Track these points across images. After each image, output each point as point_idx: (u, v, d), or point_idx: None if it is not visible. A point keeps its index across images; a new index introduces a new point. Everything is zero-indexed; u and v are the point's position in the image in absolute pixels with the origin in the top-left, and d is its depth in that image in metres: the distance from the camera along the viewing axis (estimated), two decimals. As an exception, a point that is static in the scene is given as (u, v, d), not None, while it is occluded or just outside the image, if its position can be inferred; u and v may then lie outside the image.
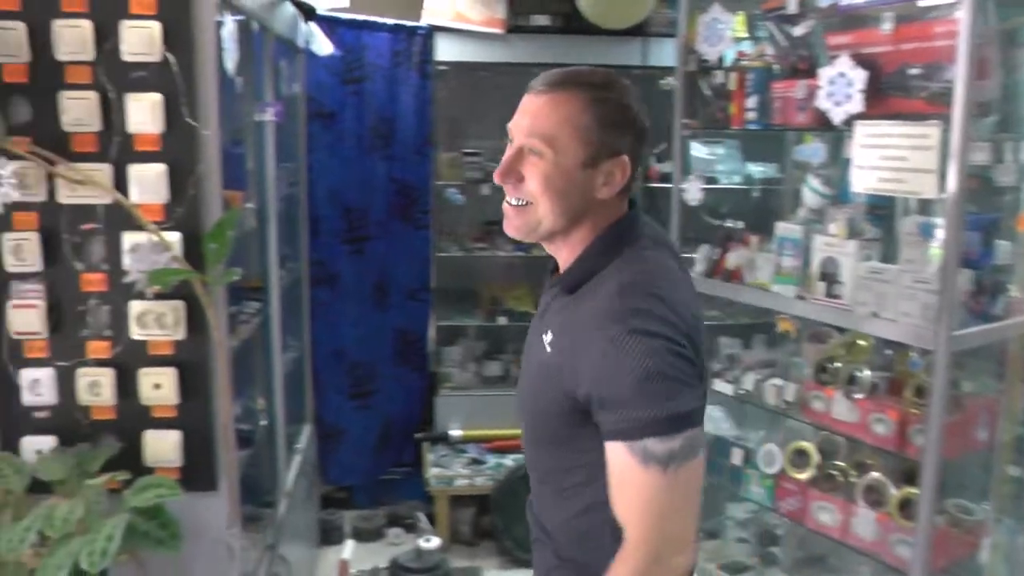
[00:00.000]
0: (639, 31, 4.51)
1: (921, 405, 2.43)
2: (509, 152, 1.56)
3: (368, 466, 4.69)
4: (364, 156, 4.53)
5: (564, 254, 1.62)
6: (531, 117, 1.53)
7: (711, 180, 4.67)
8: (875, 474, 2.62)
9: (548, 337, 1.56)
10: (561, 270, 1.63)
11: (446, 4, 4.44)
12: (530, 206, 1.56)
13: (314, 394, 4.46)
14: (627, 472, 1.43)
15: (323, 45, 4.15)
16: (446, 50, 4.52)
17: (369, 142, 4.54)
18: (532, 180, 1.54)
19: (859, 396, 2.61)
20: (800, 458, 2.82)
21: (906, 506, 2.50)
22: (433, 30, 4.49)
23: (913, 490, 2.45)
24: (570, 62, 4.45)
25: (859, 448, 2.72)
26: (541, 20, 4.55)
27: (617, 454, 1.44)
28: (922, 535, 2.38)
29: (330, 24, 4.35)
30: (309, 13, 3.90)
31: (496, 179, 1.58)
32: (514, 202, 1.58)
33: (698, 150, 4.72)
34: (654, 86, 4.52)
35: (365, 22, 4.49)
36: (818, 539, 2.83)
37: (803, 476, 2.79)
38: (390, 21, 4.52)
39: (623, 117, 1.55)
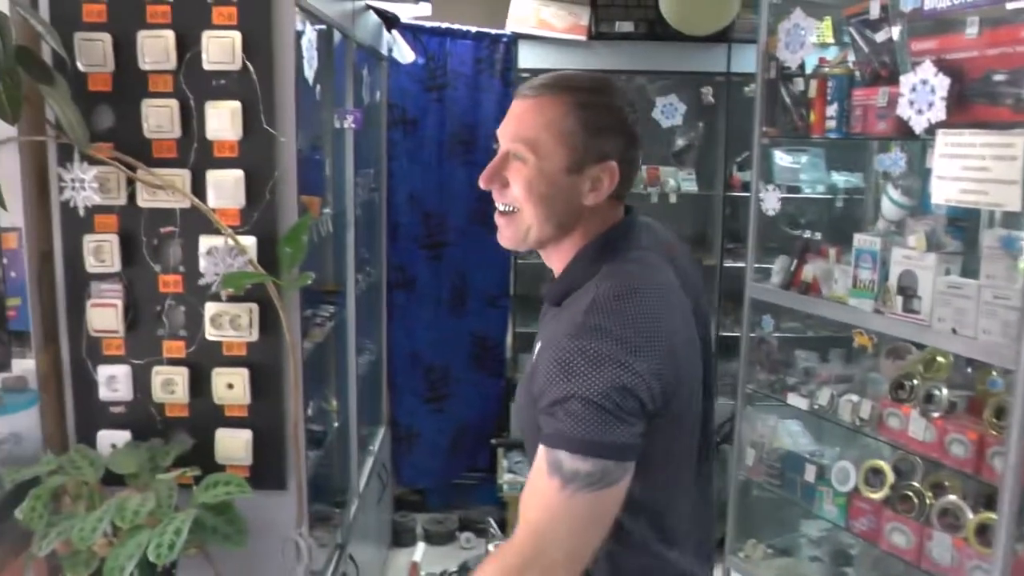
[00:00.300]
0: (724, 37, 4.45)
1: (1001, 427, 2.35)
2: (495, 160, 1.53)
3: (442, 469, 4.73)
4: (445, 162, 4.57)
5: (556, 263, 1.60)
6: (516, 122, 1.51)
7: (794, 189, 4.61)
8: (952, 497, 2.54)
9: (536, 348, 1.55)
10: (555, 271, 1.61)
11: (530, 11, 4.47)
12: (517, 213, 1.53)
13: (390, 397, 4.53)
14: (536, 475, 1.40)
15: (405, 53, 4.20)
16: (529, 57, 4.53)
17: (450, 148, 4.58)
18: (515, 185, 1.51)
19: (936, 415, 2.53)
20: (875, 477, 2.75)
21: (984, 532, 2.41)
22: (516, 37, 4.52)
23: (991, 515, 2.36)
24: (654, 69, 4.52)
25: (936, 469, 2.63)
26: (625, 27, 4.53)
27: (539, 454, 1.40)
28: (1000, 563, 2.29)
29: (414, 32, 4.41)
30: (392, 22, 3.96)
31: (481, 184, 1.55)
32: (501, 208, 1.56)
33: (781, 159, 4.65)
34: (740, 93, 4.48)
35: (448, 30, 4.53)
36: (893, 561, 2.75)
37: (877, 496, 2.72)
38: (473, 29, 4.55)
39: (611, 121, 1.51)
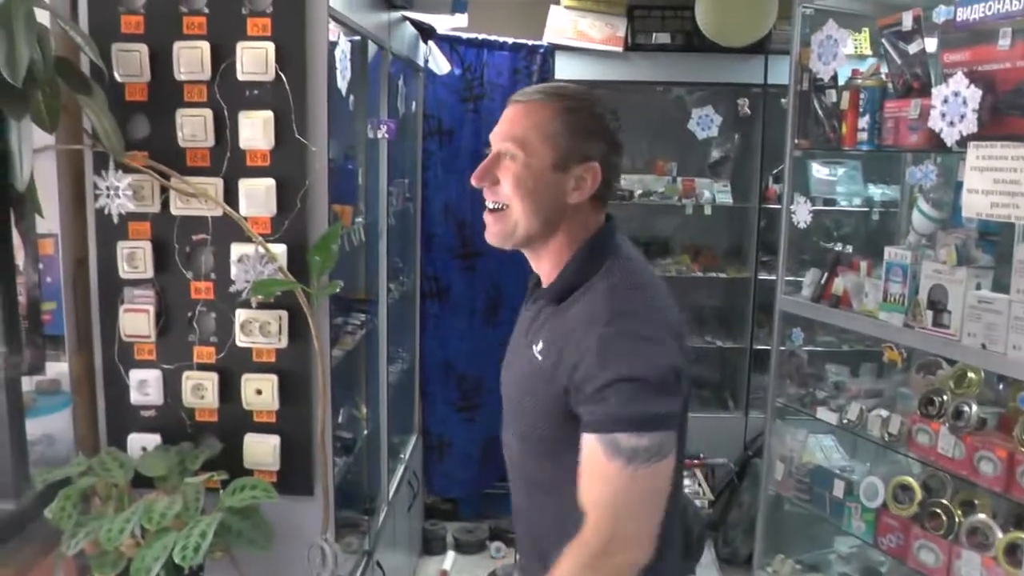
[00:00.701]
0: (760, 48, 4.44)
1: (1031, 444, 2.32)
2: (487, 160, 1.63)
3: (473, 479, 4.73)
4: (480, 173, 4.59)
5: (545, 265, 1.67)
6: (507, 124, 1.61)
7: (830, 202, 4.58)
8: (981, 515, 2.51)
9: (538, 347, 1.61)
10: (544, 282, 1.68)
11: (567, 23, 4.49)
12: (506, 210, 1.61)
13: (422, 406, 4.55)
14: (595, 463, 1.46)
15: (441, 64, 4.24)
16: (566, 68, 4.55)
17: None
18: (505, 182, 1.60)
19: (965, 432, 2.50)
20: (904, 493, 2.73)
21: (1014, 551, 2.38)
22: (553, 48, 4.54)
23: (1021, 535, 2.33)
24: (690, 80, 4.53)
25: (966, 486, 2.60)
26: (662, 38, 4.55)
27: (588, 445, 1.47)
28: (1027, 580, 2.27)
29: (451, 43, 4.44)
30: (428, 33, 4.00)
31: (473, 182, 1.64)
32: (491, 206, 1.64)
33: (818, 171, 4.63)
34: (776, 104, 4.46)
35: (485, 41, 4.56)
36: (923, 579, 2.72)
37: (906, 512, 2.69)
38: (510, 40, 4.57)
39: (595, 126, 1.62)
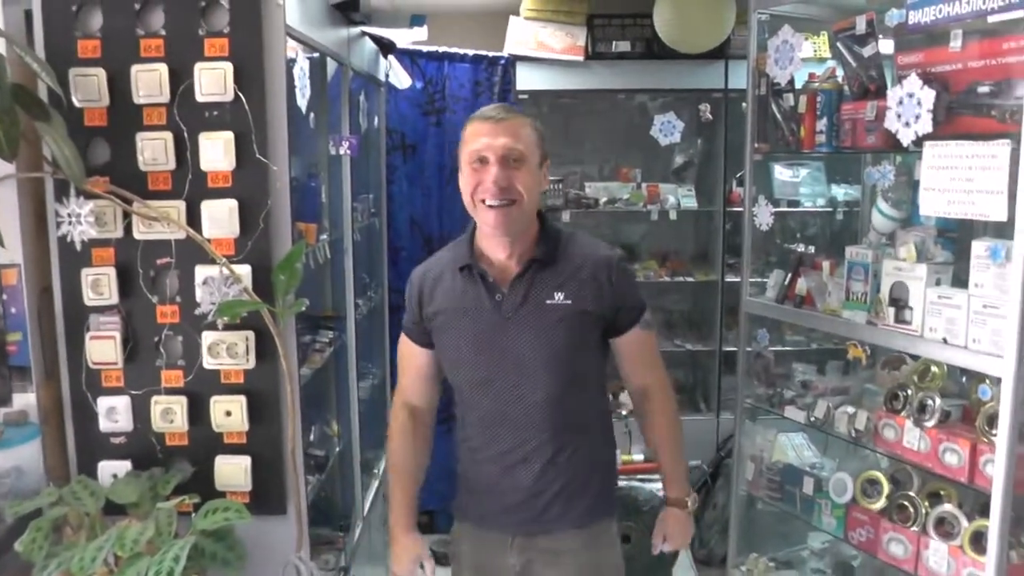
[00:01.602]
0: (721, 54, 4.49)
1: (993, 435, 2.35)
2: (496, 167, 2.06)
3: (448, 491, 4.70)
4: (445, 186, 4.61)
5: (521, 241, 2.16)
6: (507, 137, 2.07)
7: (794, 203, 4.63)
8: (947, 506, 2.54)
9: (560, 294, 2.14)
10: (515, 257, 2.16)
11: (528, 34, 4.52)
12: (517, 202, 2.08)
13: (396, 420, 4.53)
14: (645, 341, 2.29)
15: (402, 78, 4.25)
16: (527, 79, 4.59)
17: (450, 172, 4.61)
18: (518, 182, 2.07)
19: (929, 425, 2.54)
20: (872, 487, 2.76)
21: (979, 539, 2.41)
22: (514, 60, 4.57)
23: (986, 523, 2.37)
24: (652, 87, 4.55)
25: (933, 479, 2.63)
26: (622, 46, 4.59)
27: (637, 334, 2.26)
28: (993, 570, 2.30)
29: (411, 57, 4.47)
30: (388, 48, 4.01)
31: (495, 193, 2.06)
32: (501, 202, 2.07)
33: (781, 173, 4.68)
34: (738, 109, 4.51)
35: (446, 54, 4.58)
36: (894, 572, 2.75)
37: (874, 506, 2.72)
38: (471, 52, 4.60)
39: (541, 133, 2.18)
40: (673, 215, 4.74)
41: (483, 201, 2.09)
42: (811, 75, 3.10)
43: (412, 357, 2.34)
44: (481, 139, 2.08)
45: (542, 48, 4.53)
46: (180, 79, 2.32)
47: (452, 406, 4.56)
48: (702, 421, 4.71)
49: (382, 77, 4.12)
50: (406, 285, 2.35)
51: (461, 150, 2.16)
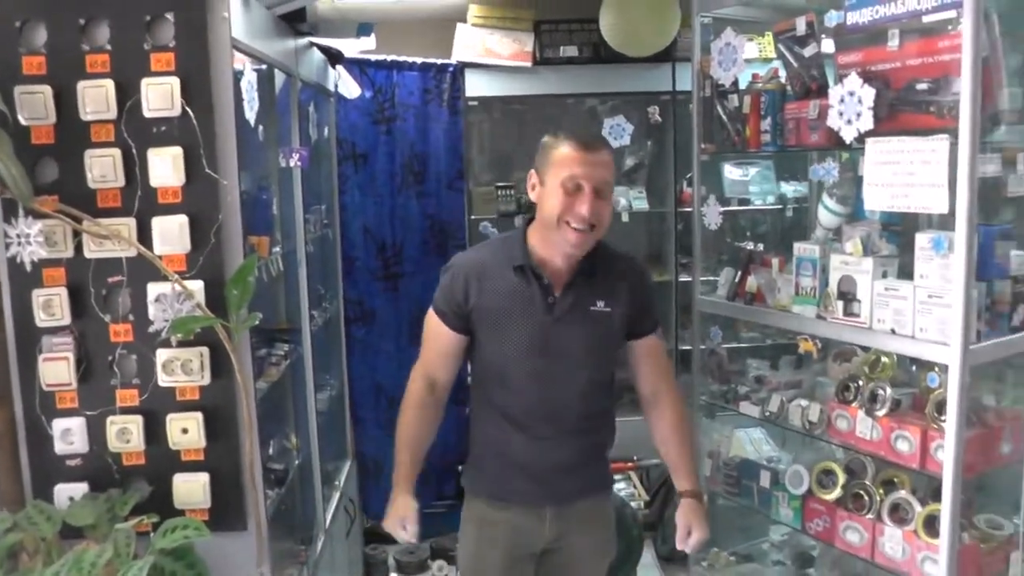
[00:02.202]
0: (667, 57, 4.52)
1: (942, 421, 2.41)
2: (591, 197, 2.27)
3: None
4: (397, 194, 4.61)
5: (575, 259, 2.39)
6: (604, 170, 2.31)
7: (744, 202, 4.69)
8: (901, 492, 2.60)
9: (601, 303, 2.41)
10: (565, 269, 2.40)
11: (475, 40, 4.53)
12: (593, 229, 2.31)
13: (354, 430, 4.53)
14: (661, 347, 2.60)
15: (351, 88, 4.24)
16: (476, 85, 4.61)
17: (402, 180, 4.62)
18: (604, 211, 2.32)
19: (881, 414, 2.59)
20: (827, 478, 2.81)
21: (932, 523, 2.47)
22: (463, 67, 4.58)
23: (938, 507, 2.42)
24: (600, 91, 4.57)
25: (887, 466, 2.69)
26: (569, 51, 4.61)
27: (655, 339, 2.55)
28: (946, 552, 2.36)
29: (360, 66, 4.45)
30: (336, 58, 4.00)
31: (586, 221, 2.27)
32: (582, 227, 2.29)
33: (731, 172, 4.73)
34: (686, 110, 4.55)
35: (394, 62, 4.58)
36: (852, 560, 2.80)
37: (830, 496, 2.78)
38: (419, 60, 4.60)
39: None
40: (625, 217, 4.77)
41: (568, 223, 2.28)
42: (755, 76, 3.15)
43: (441, 337, 2.49)
44: (579, 167, 2.27)
45: (490, 55, 4.54)
46: (127, 94, 2.30)
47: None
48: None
49: (331, 87, 4.11)
50: (446, 271, 2.49)
51: (548, 169, 2.32)
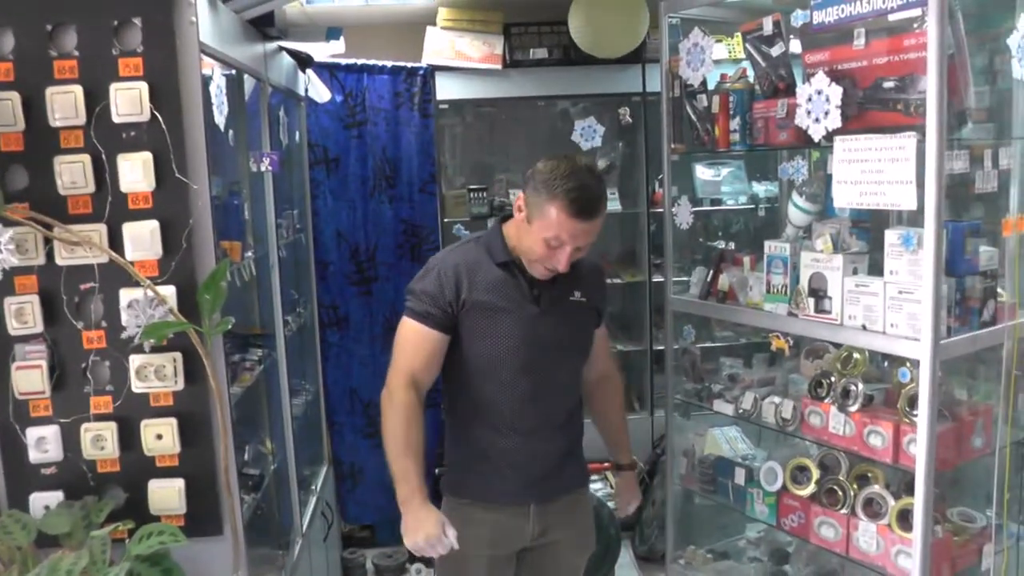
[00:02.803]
0: (637, 58, 4.55)
1: (914, 416, 2.44)
2: (570, 253, 2.33)
3: (388, 504, 4.65)
4: (369, 198, 4.60)
5: None
6: (590, 234, 2.34)
7: (717, 201, 4.72)
8: (875, 487, 2.63)
9: (578, 293, 2.52)
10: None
11: (445, 43, 4.53)
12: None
13: (330, 435, 4.52)
14: (605, 338, 2.76)
15: (321, 92, 4.24)
16: (446, 88, 4.61)
17: (374, 184, 4.61)
18: (581, 256, 2.41)
19: (853, 409, 2.62)
20: (801, 474, 2.84)
21: (906, 517, 2.50)
22: (433, 70, 4.58)
23: (911, 500, 2.45)
24: (571, 93, 4.58)
25: (860, 461, 2.72)
26: (539, 54, 4.63)
27: (603, 329, 2.71)
28: (919, 545, 2.39)
29: (330, 70, 4.45)
30: (306, 62, 3.99)
31: (563, 271, 2.38)
32: (564, 269, 2.38)
33: (703, 172, 4.77)
34: (657, 111, 4.57)
35: (365, 66, 4.57)
36: (828, 555, 2.83)
37: (804, 492, 2.80)
38: (389, 63, 4.59)
39: None
40: (598, 218, 4.78)
41: (544, 264, 2.38)
42: (723, 76, 3.18)
43: (429, 341, 2.44)
44: (568, 234, 2.29)
45: (460, 57, 4.55)
46: (96, 100, 2.29)
47: (380, 421, 4.61)
48: (637, 420, 4.77)
49: (301, 92, 4.10)
50: (427, 276, 2.46)
51: (537, 218, 2.32)
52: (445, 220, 4.71)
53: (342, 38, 3.92)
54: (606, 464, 4.35)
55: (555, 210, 2.27)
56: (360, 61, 4.54)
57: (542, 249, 2.34)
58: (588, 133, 4.69)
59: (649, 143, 4.74)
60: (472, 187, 4.74)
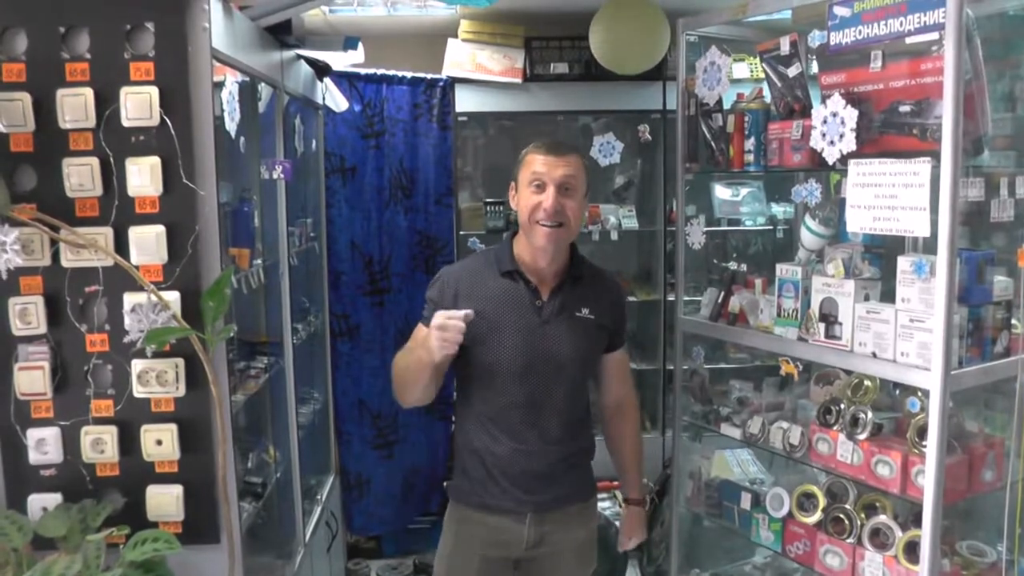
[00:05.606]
0: (658, 75, 4.53)
1: (923, 446, 2.39)
2: (553, 193, 2.42)
3: (393, 516, 4.70)
4: (385, 209, 4.58)
5: (557, 261, 2.53)
6: (564, 168, 2.44)
7: (735, 222, 4.69)
8: (882, 517, 2.58)
9: (586, 309, 2.54)
10: (554, 269, 2.53)
11: (466, 56, 4.54)
12: (562, 227, 2.44)
13: (338, 444, 4.50)
14: (626, 360, 2.78)
15: (339, 101, 4.23)
16: (466, 101, 4.60)
17: (390, 194, 4.60)
18: (568, 209, 2.44)
19: (862, 438, 2.58)
20: (808, 501, 2.79)
21: (913, 549, 2.45)
22: (453, 82, 4.58)
23: (919, 532, 2.40)
24: (590, 109, 4.57)
25: (868, 491, 2.67)
26: (560, 68, 4.62)
27: (622, 353, 2.74)
28: (925, 578, 2.34)
29: (349, 80, 4.44)
30: (324, 71, 3.99)
31: (550, 215, 2.41)
32: (550, 224, 2.42)
33: (721, 192, 4.73)
34: (676, 129, 4.55)
35: (384, 76, 4.57)
36: (833, 584, 2.78)
37: (810, 519, 2.76)
38: (409, 74, 4.59)
39: (588, 169, 2.54)
40: (615, 235, 4.77)
41: (538, 221, 2.42)
42: (739, 95, 3.16)
43: None
44: (543, 166, 2.44)
45: (480, 70, 4.55)
46: (106, 103, 2.29)
47: (389, 432, 4.62)
48: (648, 439, 4.72)
49: (319, 100, 4.10)
50: (434, 284, 2.60)
51: (520, 173, 2.51)
52: (461, 233, 4.70)
53: (360, 48, 3.92)
54: (615, 483, 4.32)
55: (529, 156, 2.50)
56: (379, 71, 4.54)
57: (530, 199, 2.44)
58: (607, 149, 4.67)
59: (668, 161, 4.71)
60: (489, 200, 4.72)
